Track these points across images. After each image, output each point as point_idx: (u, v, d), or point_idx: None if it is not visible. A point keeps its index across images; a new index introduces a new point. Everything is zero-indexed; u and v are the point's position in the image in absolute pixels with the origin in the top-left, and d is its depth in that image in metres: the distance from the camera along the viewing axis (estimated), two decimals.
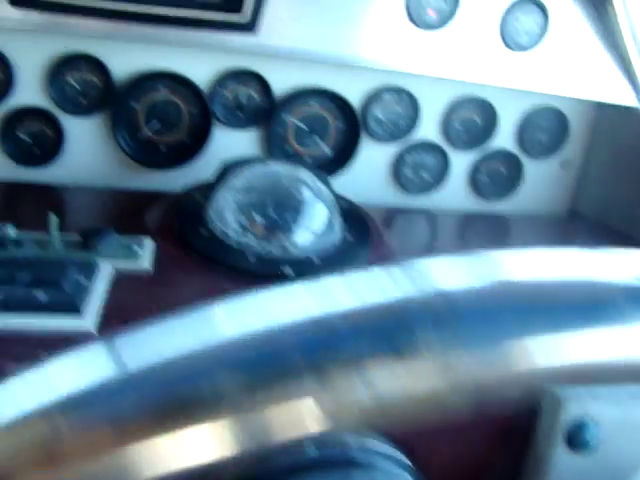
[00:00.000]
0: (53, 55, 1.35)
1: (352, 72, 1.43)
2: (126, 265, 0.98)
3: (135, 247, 1.01)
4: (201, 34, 1.31)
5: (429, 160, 1.63)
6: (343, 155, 1.55)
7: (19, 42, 1.33)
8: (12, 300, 0.79)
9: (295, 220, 1.15)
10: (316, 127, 1.53)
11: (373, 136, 1.53)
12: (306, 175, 1.22)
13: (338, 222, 1.17)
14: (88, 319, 0.79)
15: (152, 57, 1.38)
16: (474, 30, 1.42)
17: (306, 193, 1.18)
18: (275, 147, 1.49)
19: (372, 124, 1.53)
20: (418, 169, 1.63)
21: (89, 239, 0.99)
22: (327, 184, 1.21)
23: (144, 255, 1.00)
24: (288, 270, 1.06)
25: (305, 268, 1.08)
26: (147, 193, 1.42)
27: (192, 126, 1.47)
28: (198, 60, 1.40)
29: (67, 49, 1.35)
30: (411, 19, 1.39)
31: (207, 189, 1.22)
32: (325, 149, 1.56)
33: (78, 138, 1.43)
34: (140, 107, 1.44)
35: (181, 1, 1.27)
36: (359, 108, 1.50)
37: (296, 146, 1.53)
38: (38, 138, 1.43)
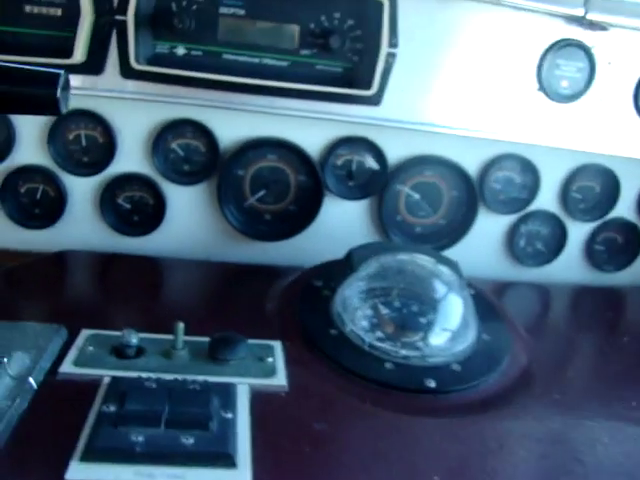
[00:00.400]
0: (157, 123, 1.29)
1: (469, 140, 1.33)
2: (262, 382, 0.88)
3: (268, 359, 0.93)
4: (320, 105, 1.23)
5: (545, 230, 1.51)
6: (457, 226, 1.45)
7: (124, 110, 1.27)
8: (156, 448, 0.69)
9: (430, 317, 1.04)
10: (429, 196, 1.43)
11: (489, 206, 1.41)
12: (438, 264, 1.11)
13: (473, 317, 1.05)
14: (244, 471, 0.69)
15: (259, 123, 1.30)
16: (607, 102, 1.32)
17: (440, 286, 1.08)
18: (387, 218, 1.40)
19: (488, 193, 1.42)
20: (533, 240, 1.51)
21: (218, 348, 0.91)
22: (459, 273, 1.10)
23: (278, 368, 0.91)
24: (431, 383, 0.95)
25: (447, 378, 0.96)
26: (254, 267, 1.34)
27: (301, 195, 1.38)
28: (309, 128, 1.31)
29: (172, 116, 1.27)
30: (543, 91, 1.28)
31: (328, 273, 1.13)
32: (439, 220, 1.42)
33: (180, 207, 1.35)
34: (246, 175, 1.36)
35: (308, 77, 1.21)
36: (476, 177, 1.40)
37: (408, 216, 1.41)
38: (139, 206, 1.33)
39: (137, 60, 1.09)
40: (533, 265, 1.51)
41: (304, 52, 1.16)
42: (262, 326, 1.02)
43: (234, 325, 0.98)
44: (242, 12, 1.08)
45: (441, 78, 1.24)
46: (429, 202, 1.43)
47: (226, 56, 1.14)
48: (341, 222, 1.38)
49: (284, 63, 1.17)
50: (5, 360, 0.77)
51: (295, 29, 1.14)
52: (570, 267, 1.53)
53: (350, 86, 1.19)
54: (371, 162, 1.35)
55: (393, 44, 1.15)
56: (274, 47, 1.15)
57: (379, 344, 0.97)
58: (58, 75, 0.64)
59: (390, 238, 1.38)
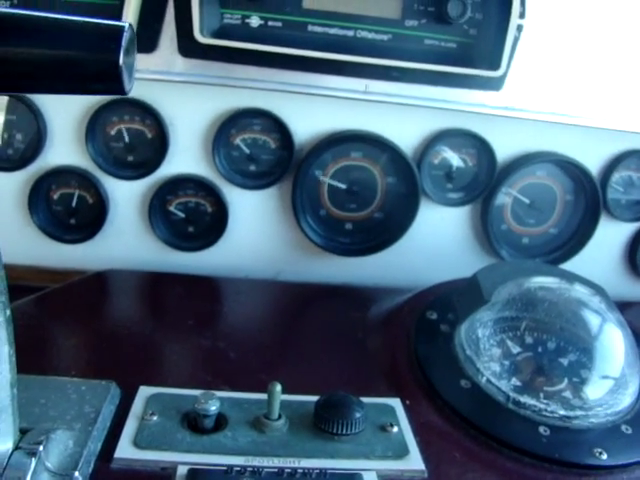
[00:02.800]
0: (218, 113, 1.06)
1: (591, 132, 1.10)
2: (393, 467, 0.66)
3: (392, 429, 0.71)
4: (425, 90, 1.00)
5: None
6: (572, 236, 1.23)
7: (179, 97, 1.06)
8: None
9: (583, 363, 0.82)
10: (540, 201, 1.19)
11: (611, 212, 1.19)
12: (584, 291, 0.89)
13: (634, 359, 0.82)
14: None
15: (342, 113, 1.08)
16: None
17: (593, 321, 0.83)
18: (491, 227, 1.17)
19: (611, 197, 1.18)
20: None
21: (329, 419, 0.68)
22: (609, 303, 0.87)
23: (408, 442, 0.69)
24: (602, 454, 0.73)
25: (618, 446, 0.74)
26: (335, 287, 1.13)
27: (389, 201, 1.16)
28: (403, 119, 1.09)
29: (237, 105, 1.05)
30: None
31: (442, 302, 0.92)
32: (550, 229, 1.21)
33: (245, 215, 1.13)
34: (325, 176, 1.12)
35: (414, 54, 0.98)
36: (597, 177, 1.16)
37: (514, 225, 1.21)
38: (195, 215, 1.13)
39: (201, 32, 0.82)
40: None
41: (409, 23, 0.97)
42: (367, 373, 0.83)
43: (328, 371, 0.81)
44: None
45: (570, 57, 1.02)
46: (540, 208, 1.19)
47: (312, 28, 0.94)
48: (437, 232, 1.16)
49: (384, 37, 0.98)
50: (41, 449, 0.53)
51: None
52: None
53: (469, 65, 0.96)
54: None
55: (521, 13, 0.89)
56: (372, 17, 0.94)
57: (524, 399, 0.76)
58: (120, 30, 0.36)
59: (496, 250, 1.16)
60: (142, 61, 0.91)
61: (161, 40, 0.93)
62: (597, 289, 0.88)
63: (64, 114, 1.03)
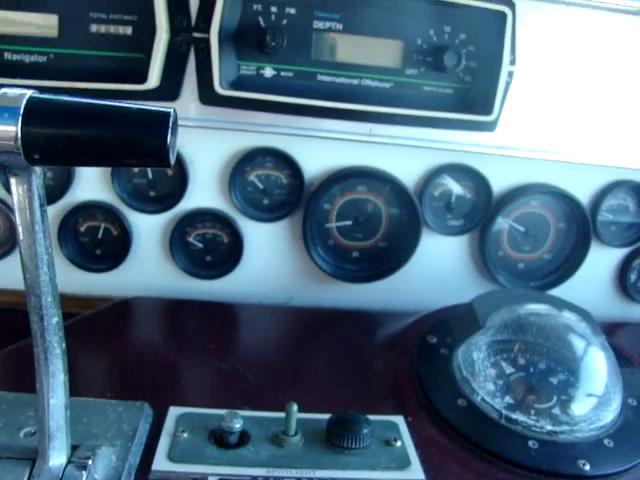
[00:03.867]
0: (234, 152, 1.15)
1: (580, 167, 1.18)
2: (396, 477, 0.74)
3: (396, 443, 0.79)
4: (425, 132, 1.08)
5: None
6: (565, 261, 1.30)
7: (197, 139, 1.13)
8: None
9: (564, 378, 0.89)
10: (535, 229, 1.27)
11: (601, 239, 1.26)
12: (571, 317, 0.97)
13: (617, 377, 0.90)
14: None
15: (348, 151, 1.16)
16: None
17: (579, 344, 0.90)
18: (489, 253, 1.25)
19: (601, 225, 1.27)
20: None
21: (339, 434, 0.76)
22: (595, 328, 0.94)
23: (410, 455, 0.77)
24: (585, 465, 0.80)
25: (601, 458, 0.81)
26: (342, 312, 1.21)
27: (392, 231, 1.25)
28: (405, 156, 1.17)
29: (251, 144, 1.13)
30: None
31: (441, 326, 1.00)
32: (544, 254, 1.27)
33: (258, 245, 1.21)
34: (332, 209, 1.21)
35: (414, 101, 1.07)
36: (587, 206, 1.24)
37: (510, 251, 1.27)
38: (213, 245, 1.18)
39: (221, 84, 0.91)
40: None
41: (410, 72, 1.04)
42: (373, 392, 0.90)
43: (338, 391, 0.88)
44: (339, 26, 0.95)
45: (557, 98, 1.10)
46: (534, 235, 1.27)
47: (321, 77, 1.02)
48: (438, 259, 1.23)
49: (387, 84, 1.05)
50: (90, 463, 0.61)
51: (399, 45, 1.03)
52: None
53: (464, 110, 1.04)
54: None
55: (512, 61, 0.96)
56: (375, 66, 1.03)
57: (516, 416, 0.84)
58: (167, 116, 0.46)
59: (493, 276, 1.24)
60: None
61: (183, 90, 1.00)
62: (584, 315, 0.95)
63: None
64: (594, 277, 1.30)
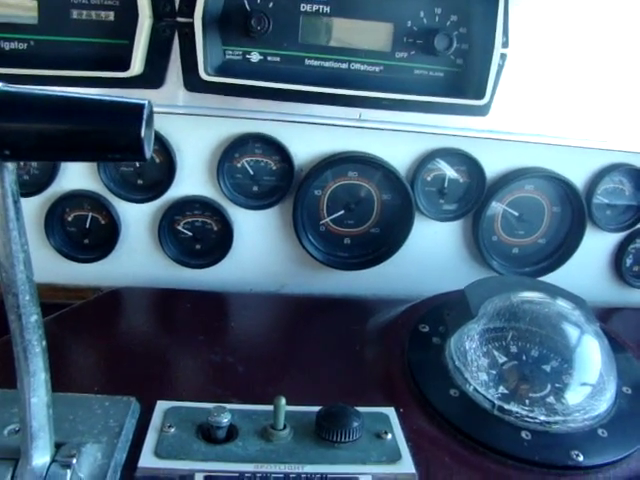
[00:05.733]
0: (222, 139, 1.13)
1: (575, 150, 1.16)
2: (387, 470, 0.73)
3: (386, 436, 0.77)
4: (416, 116, 1.06)
5: None
6: (559, 246, 1.29)
7: (184, 126, 1.11)
8: None
9: (564, 369, 0.88)
10: (529, 213, 1.26)
11: (597, 223, 1.24)
12: (565, 305, 0.95)
13: (612, 366, 0.89)
14: None
15: (339, 137, 1.14)
16: None
17: (573, 333, 0.89)
18: (482, 239, 1.24)
19: (596, 209, 1.25)
20: None
21: (328, 428, 0.74)
22: (589, 315, 0.93)
23: (401, 448, 0.75)
24: (578, 456, 0.79)
25: (595, 449, 0.81)
26: (334, 299, 1.21)
27: (385, 217, 1.23)
28: (397, 141, 1.15)
29: (239, 131, 1.11)
30: None
31: (433, 315, 0.98)
32: (539, 239, 1.25)
33: (249, 233, 1.20)
34: (323, 196, 1.18)
35: (405, 85, 1.05)
36: (583, 190, 1.23)
37: (504, 237, 1.25)
38: (202, 233, 1.17)
39: (205, 70, 0.89)
40: None
41: (400, 55, 1.02)
42: (364, 383, 0.88)
43: (328, 382, 0.87)
44: (327, 9, 0.91)
45: (551, 81, 1.08)
46: (528, 220, 1.25)
47: (309, 62, 1.00)
48: (431, 245, 1.22)
49: (376, 68, 1.03)
50: (74, 462, 0.60)
51: (389, 28, 1.00)
52: None
53: (456, 94, 1.02)
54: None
55: (504, 43, 0.94)
56: (364, 49, 1.01)
57: (509, 406, 0.82)
58: (141, 108, 0.43)
59: (487, 262, 1.23)
60: (150, 95, 0.97)
61: (167, 76, 0.98)
62: (578, 302, 0.93)
63: None
64: (589, 262, 1.29)
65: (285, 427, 0.74)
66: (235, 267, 1.19)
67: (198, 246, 1.19)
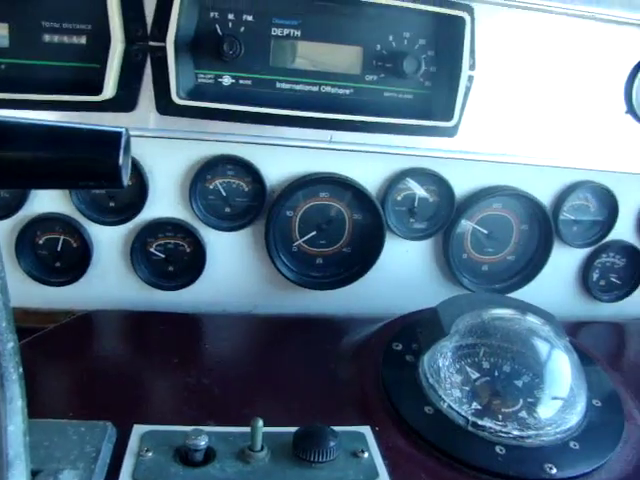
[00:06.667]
0: (194, 161, 1.13)
1: (541, 169, 1.20)
2: None
3: (363, 455, 0.78)
4: (386, 138, 1.08)
5: (621, 263, 1.38)
6: (528, 262, 1.32)
7: (156, 149, 1.11)
8: None
9: (536, 384, 0.90)
10: (498, 231, 1.28)
11: (563, 239, 1.28)
12: (535, 321, 0.97)
13: (582, 379, 0.91)
14: None
15: (310, 158, 1.15)
16: None
17: (543, 348, 0.91)
18: (453, 257, 1.26)
19: (563, 225, 1.28)
20: (608, 273, 1.38)
21: (305, 448, 0.75)
22: (558, 330, 0.95)
23: (377, 466, 0.76)
24: (551, 469, 0.81)
25: (568, 461, 0.82)
26: (307, 318, 1.20)
27: (357, 236, 1.24)
28: (367, 162, 1.17)
29: (211, 153, 1.12)
30: (632, 113, 1.15)
31: (406, 333, 0.99)
32: (508, 256, 1.28)
33: (221, 255, 1.20)
34: (294, 217, 1.20)
35: (374, 107, 1.07)
36: (549, 207, 1.27)
37: (474, 254, 1.25)
38: (174, 255, 1.16)
39: (178, 94, 0.89)
40: (608, 300, 1.38)
41: (369, 77, 1.03)
42: (339, 402, 0.89)
43: (304, 402, 0.87)
44: (297, 33, 0.92)
45: (517, 102, 1.11)
46: (497, 237, 1.29)
47: (280, 85, 1.01)
48: (403, 264, 1.24)
49: (346, 90, 1.04)
50: None
51: (358, 51, 1.01)
52: None
53: (425, 116, 1.04)
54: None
55: (471, 65, 0.96)
56: (335, 73, 1.02)
57: (482, 422, 0.83)
58: (118, 136, 0.44)
59: (457, 279, 1.25)
60: (122, 119, 0.97)
61: (140, 100, 0.98)
62: (547, 317, 0.95)
63: None
64: (557, 277, 1.32)
65: (262, 448, 0.74)
66: (208, 288, 1.18)
67: (171, 268, 1.18)
